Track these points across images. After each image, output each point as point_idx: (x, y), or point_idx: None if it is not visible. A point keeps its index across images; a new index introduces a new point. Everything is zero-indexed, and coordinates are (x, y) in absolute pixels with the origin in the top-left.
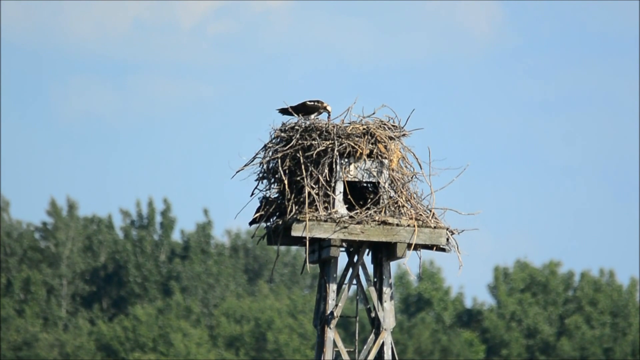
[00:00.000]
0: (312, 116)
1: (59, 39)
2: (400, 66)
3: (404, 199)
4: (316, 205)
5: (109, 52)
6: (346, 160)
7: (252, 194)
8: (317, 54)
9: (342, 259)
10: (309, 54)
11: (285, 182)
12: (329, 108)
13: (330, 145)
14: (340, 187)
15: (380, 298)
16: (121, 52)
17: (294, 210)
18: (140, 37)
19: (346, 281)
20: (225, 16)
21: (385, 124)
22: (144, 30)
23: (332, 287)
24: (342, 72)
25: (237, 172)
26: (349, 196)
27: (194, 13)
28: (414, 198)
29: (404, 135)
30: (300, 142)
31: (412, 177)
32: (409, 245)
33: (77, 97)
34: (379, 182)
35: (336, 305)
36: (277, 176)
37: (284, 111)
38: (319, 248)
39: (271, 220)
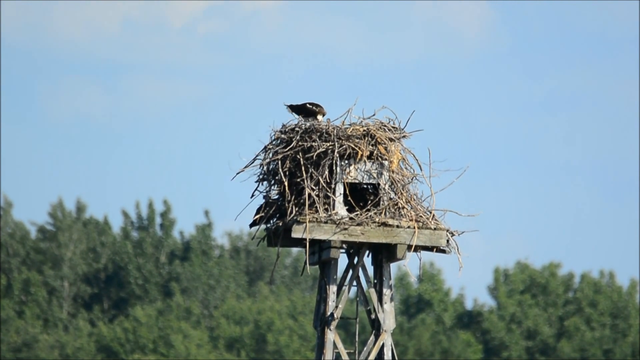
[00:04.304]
0: (311, 119)
1: (50, 39)
2: (394, 66)
3: (404, 200)
4: (316, 207)
5: (101, 53)
6: (346, 161)
7: (253, 195)
8: (309, 54)
9: (342, 261)
10: (300, 54)
11: (286, 183)
12: (319, 117)
13: (330, 147)
14: (340, 188)
15: (380, 299)
16: (112, 52)
17: (294, 211)
18: (131, 37)
19: (346, 283)
20: (215, 16)
21: (385, 126)
22: (135, 30)
23: (332, 289)
24: (335, 72)
25: (237, 173)
26: (349, 198)
27: (183, 13)
28: (414, 199)
29: (404, 136)
30: (300, 143)
31: (412, 179)
32: (409, 247)
33: (70, 98)
34: (379, 184)
35: (336, 306)
36: (277, 178)
37: (291, 108)
38: (319, 249)
39: (271, 221)
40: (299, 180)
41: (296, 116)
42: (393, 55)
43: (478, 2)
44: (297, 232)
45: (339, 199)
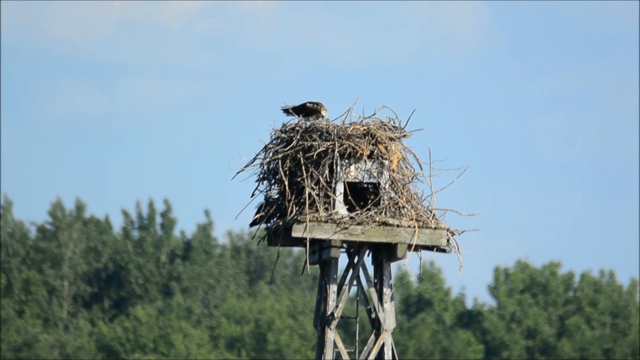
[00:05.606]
0: (312, 118)
1: (47, 40)
2: (391, 66)
3: (404, 199)
4: (316, 206)
5: (98, 53)
6: (346, 161)
7: (253, 194)
8: (307, 53)
9: (343, 260)
10: (298, 54)
11: (286, 182)
12: (323, 113)
13: (330, 146)
14: (340, 188)
15: (380, 299)
16: (109, 53)
17: (294, 211)
18: (128, 38)
19: (346, 282)
20: (212, 15)
21: (385, 125)
22: (132, 31)
23: (333, 288)
24: (333, 71)
25: (237, 173)
26: (350, 197)
27: (180, 12)
28: (415, 199)
29: (404, 136)
30: (300, 142)
31: (412, 178)
32: (409, 246)
33: (68, 98)
34: (379, 183)
35: (336, 306)
36: (277, 177)
37: (286, 111)
38: (320, 249)
39: (272, 221)
40: (299, 179)
41: (297, 117)
42: (390, 54)
43: (475, 2)
44: (297, 232)
45: (339, 198)
